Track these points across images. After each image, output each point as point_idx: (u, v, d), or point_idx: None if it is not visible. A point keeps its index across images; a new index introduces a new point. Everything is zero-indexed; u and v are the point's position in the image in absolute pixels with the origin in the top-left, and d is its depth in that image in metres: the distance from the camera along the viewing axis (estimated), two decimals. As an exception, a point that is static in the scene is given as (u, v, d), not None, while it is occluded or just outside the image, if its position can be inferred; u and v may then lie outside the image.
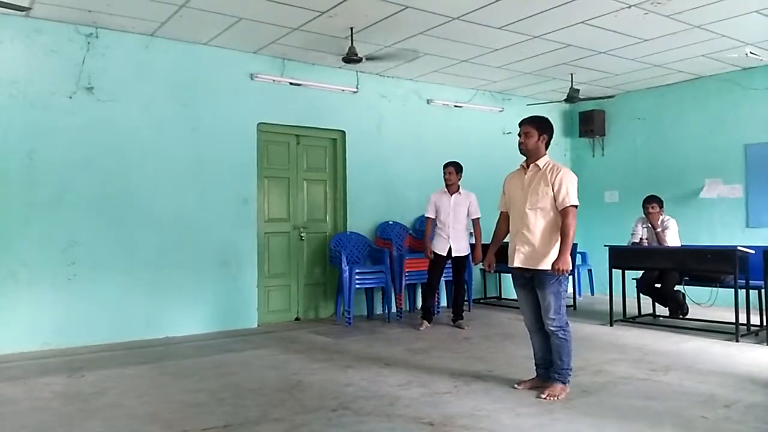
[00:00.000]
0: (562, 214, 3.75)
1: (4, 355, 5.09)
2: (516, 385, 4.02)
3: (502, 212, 4.17)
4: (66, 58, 5.54)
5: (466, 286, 6.74)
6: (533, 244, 3.80)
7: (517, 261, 3.87)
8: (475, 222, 6.35)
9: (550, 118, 4.03)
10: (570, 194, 3.74)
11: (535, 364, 4.06)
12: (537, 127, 3.88)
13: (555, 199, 3.76)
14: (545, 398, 3.74)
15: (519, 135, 3.93)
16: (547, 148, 3.93)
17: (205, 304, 6.16)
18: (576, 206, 3.76)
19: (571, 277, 8.02)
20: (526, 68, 7.30)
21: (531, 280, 3.88)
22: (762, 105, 7.29)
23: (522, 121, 3.97)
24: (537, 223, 3.79)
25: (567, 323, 3.84)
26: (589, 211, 9.15)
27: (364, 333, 6.12)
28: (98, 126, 5.66)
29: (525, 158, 3.96)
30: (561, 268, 3.68)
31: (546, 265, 3.76)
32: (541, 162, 3.87)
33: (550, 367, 3.94)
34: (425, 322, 6.31)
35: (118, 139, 5.76)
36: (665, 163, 8.21)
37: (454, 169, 6.28)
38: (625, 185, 8.65)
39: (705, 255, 5.72)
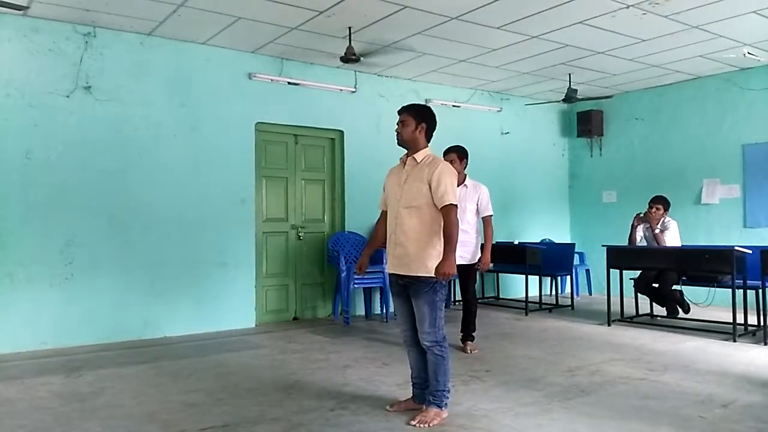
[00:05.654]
0: (443, 213, 3.33)
1: (2, 355, 5.08)
2: (387, 407, 3.58)
3: (382, 211, 3.73)
4: (64, 57, 5.53)
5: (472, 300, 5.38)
6: (406, 248, 3.38)
7: (390, 266, 3.49)
8: (486, 221, 5.33)
9: (431, 108, 3.67)
10: (448, 191, 3.32)
11: (412, 384, 3.63)
12: (414, 116, 3.50)
13: (432, 196, 3.35)
14: (415, 425, 3.28)
15: (396, 124, 3.56)
16: (429, 139, 3.56)
17: (202, 303, 6.15)
18: (455, 205, 3.36)
19: (569, 277, 8.10)
20: (525, 68, 7.31)
21: (406, 288, 3.45)
22: (760, 105, 7.30)
23: (400, 109, 3.59)
24: (411, 223, 3.38)
25: (444, 338, 3.41)
26: (587, 211, 9.21)
27: (362, 333, 6.12)
28: (96, 125, 5.65)
29: (405, 150, 3.57)
30: (445, 272, 3.22)
31: (421, 271, 3.33)
32: (419, 155, 3.47)
33: (426, 389, 3.48)
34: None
35: (116, 139, 5.75)
36: (663, 164, 8.21)
37: (456, 155, 5.12)
38: (623, 185, 8.66)
39: (703, 255, 5.72)
